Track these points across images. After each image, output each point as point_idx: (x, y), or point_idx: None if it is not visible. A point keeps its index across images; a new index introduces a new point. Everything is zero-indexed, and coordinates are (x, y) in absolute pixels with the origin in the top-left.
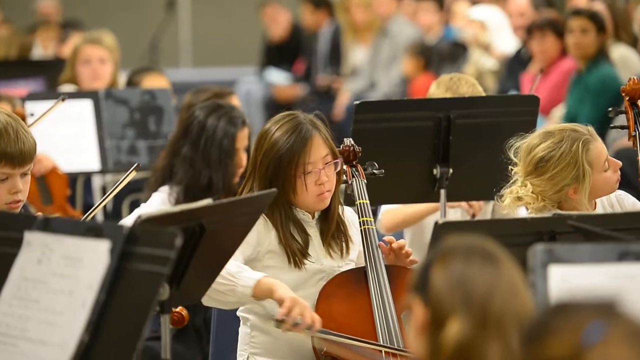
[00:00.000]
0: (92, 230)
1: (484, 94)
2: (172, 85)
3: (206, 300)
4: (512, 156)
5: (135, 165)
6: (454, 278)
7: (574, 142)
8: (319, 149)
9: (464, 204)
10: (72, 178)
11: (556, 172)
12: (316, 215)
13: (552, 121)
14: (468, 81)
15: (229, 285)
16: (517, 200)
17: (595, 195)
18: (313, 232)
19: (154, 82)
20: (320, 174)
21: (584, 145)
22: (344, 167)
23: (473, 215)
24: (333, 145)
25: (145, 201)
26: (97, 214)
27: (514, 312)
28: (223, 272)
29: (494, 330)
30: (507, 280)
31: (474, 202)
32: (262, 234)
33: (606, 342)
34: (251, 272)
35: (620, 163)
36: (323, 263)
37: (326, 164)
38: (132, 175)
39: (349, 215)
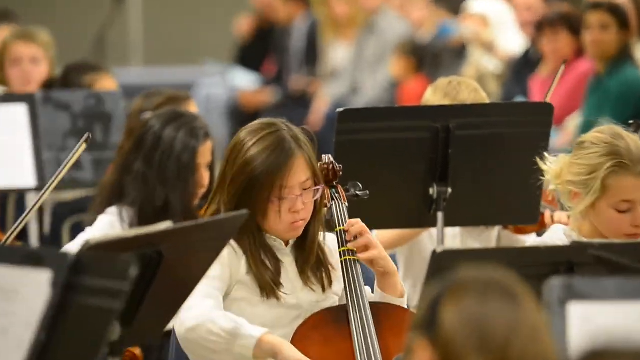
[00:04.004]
0: (30, 258)
1: (487, 101)
2: (120, 87)
3: (194, 358)
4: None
5: (87, 135)
6: (468, 317)
7: (609, 154)
8: (299, 173)
9: None
10: (3, 196)
11: (577, 162)
12: (290, 242)
13: (566, 132)
14: (469, 86)
15: (225, 344)
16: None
17: (599, 226)
18: (287, 260)
19: (98, 84)
20: (297, 202)
21: (614, 165)
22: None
23: None
24: (317, 168)
25: (90, 225)
26: (32, 239)
27: (534, 358)
28: (216, 329)
29: None
30: (529, 321)
31: None
32: (233, 264)
33: None
34: (250, 328)
35: None
36: (300, 297)
37: (304, 190)
38: (82, 149)
39: (330, 242)
